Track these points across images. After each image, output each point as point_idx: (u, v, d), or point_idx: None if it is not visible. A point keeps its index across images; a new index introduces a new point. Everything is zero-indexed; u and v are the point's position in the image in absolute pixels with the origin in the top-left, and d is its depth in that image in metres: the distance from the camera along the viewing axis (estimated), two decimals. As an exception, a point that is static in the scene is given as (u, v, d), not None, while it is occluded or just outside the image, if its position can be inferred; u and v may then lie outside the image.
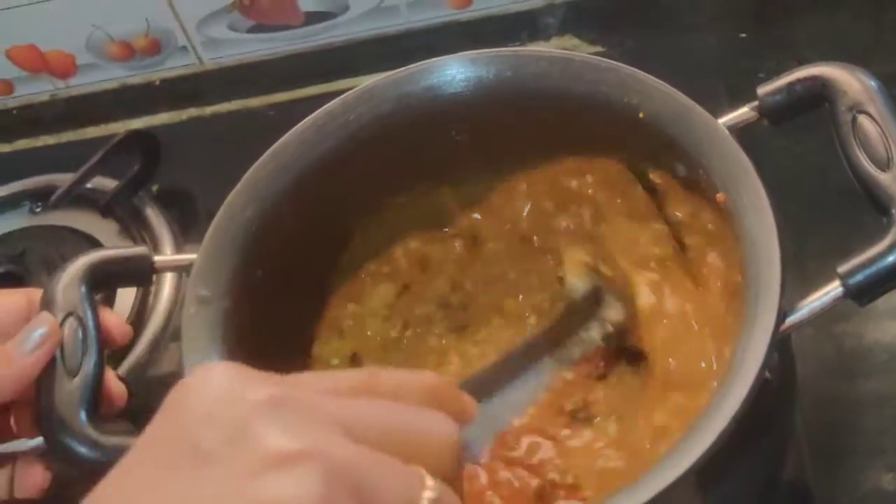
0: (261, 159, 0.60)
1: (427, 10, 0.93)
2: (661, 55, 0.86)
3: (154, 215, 0.83)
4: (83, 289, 0.54)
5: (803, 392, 0.68)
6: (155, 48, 0.96)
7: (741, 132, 0.55)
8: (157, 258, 0.57)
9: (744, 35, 0.88)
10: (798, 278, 0.53)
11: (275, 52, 0.96)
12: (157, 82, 0.98)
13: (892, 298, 0.73)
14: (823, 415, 0.70)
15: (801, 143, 0.78)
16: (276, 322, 0.60)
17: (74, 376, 0.52)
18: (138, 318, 0.78)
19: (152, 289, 0.79)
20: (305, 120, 0.61)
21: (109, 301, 0.77)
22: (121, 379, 0.72)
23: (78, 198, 0.84)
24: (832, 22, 0.87)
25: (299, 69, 0.95)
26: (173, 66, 0.97)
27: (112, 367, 0.73)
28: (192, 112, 0.96)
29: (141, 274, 0.57)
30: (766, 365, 0.47)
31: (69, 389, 0.52)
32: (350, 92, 0.61)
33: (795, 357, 0.67)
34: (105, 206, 0.83)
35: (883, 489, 0.66)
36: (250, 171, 0.59)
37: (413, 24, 0.94)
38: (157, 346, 0.77)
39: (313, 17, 0.94)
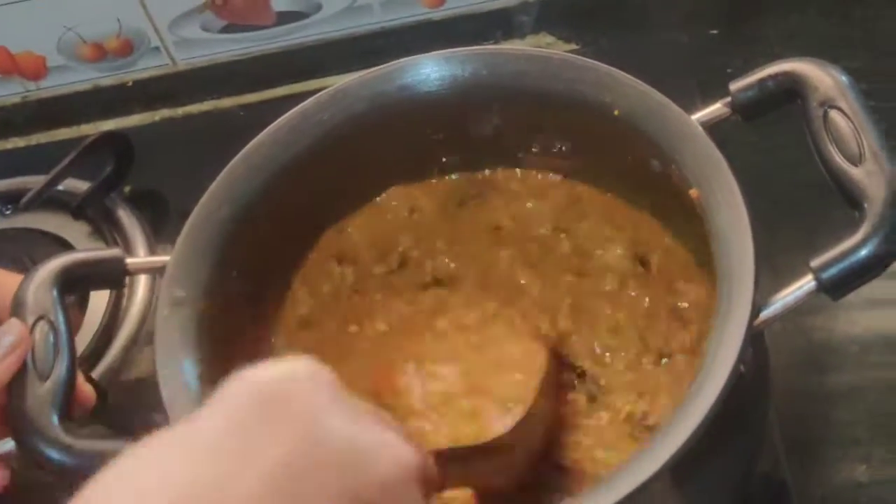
0: (234, 160, 0.60)
1: (400, 10, 0.93)
2: (635, 52, 0.86)
3: (126, 216, 0.83)
4: (55, 292, 0.54)
5: (775, 385, 0.68)
6: (127, 49, 0.95)
7: (713, 127, 0.56)
8: (129, 260, 0.57)
9: (715, 32, 0.89)
10: (769, 274, 0.53)
11: (247, 52, 0.96)
12: (130, 83, 0.97)
13: (861, 290, 0.75)
14: (796, 407, 0.70)
15: (770, 139, 0.78)
16: (250, 323, 0.60)
17: (46, 380, 0.52)
18: (111, 321, 0.77)
19: (125, 292, 0.79)
20: (279, 120, 0.61)
21: (82, 305, 0.76)
22: (94, 382, 0.72)
23: (49, 200, 0.83)
24: (802, 19, 0.88)
25: (272, 69, 0.95)
26: (146, 67, 0.96)
27: (86, 370, 0.74)
28: (165, 113, 0.95)
29: (114, 277, 0.57)
30: (740, 359, 0.47)
31: (40, 393, 0.51)
32: (324, 91, 0.61)
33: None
34: (77, 208, 0.82)
35: (857, 480, 0.66)
36: (224, 171, 0.59)
37: (386, 23, 0.94)
38: (130, 349, 0.77)
39: (286, 17, 0.94)
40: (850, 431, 0.68)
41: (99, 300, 0.77)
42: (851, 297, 0.72)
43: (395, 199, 0.65)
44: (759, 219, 0.52)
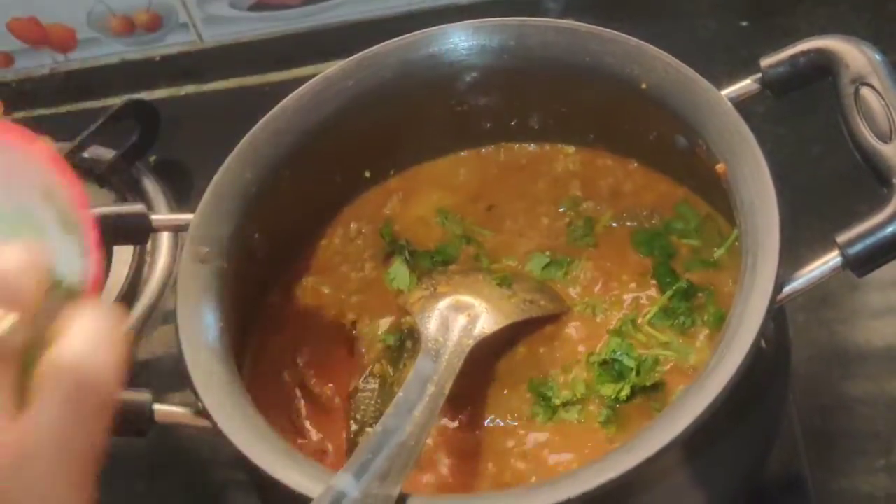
0: (259, 123, 0.60)
1: (429, -8, 0.93)
2: (663, 42, 0.85)
3: (151, 185, 0.83)
4: (78, 245, 0.54)
5: (796, 378, 0.68)
6: (156, 24, 0.95)
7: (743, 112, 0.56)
8: (154, 216, 0.57)
9: (745, 23, 0.88)
10: (793, 253, 0.52)
11: (274, 30, 0.96)
12: (157, 58, 0.98)
13: (884, 278, 0.74)
14: (817, 400, 0.70)
15: (798, 130, 0.78)
16: (271, 283, 0.60)
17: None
18: (133, 285, 0.77)
19: (147, 259, 0.79)
20: (304, 86, 0.61)
21: (105, 266, 0.76)
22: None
23: (75, 167, 0.82)
24: (833, 12, 0.88)
25: (298, 49, 0.95)
26: (173, 43, 0.97)
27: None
28: (191, 88, 0.96)
29: (137, 232, 0.57)
30: (762, 333, 0.47)
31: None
32: (351, 58, 0.61)
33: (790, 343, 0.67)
34: (102, 176, 0.83)
35: (875, 473, 0.66)
36: (249, 134, 0.59)
37: (414, 6, 0.94)
38: (151, 313, 0.77)
39: (314, -4, 0.94)
40: (870, 425, 0.68)
41: (121, 263, 0.78)
42: (876, 289, 0.74)
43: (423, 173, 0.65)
44: (785, 200, 0.52)
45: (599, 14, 0.92)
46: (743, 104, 0.56)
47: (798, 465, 0.66)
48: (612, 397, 0.54)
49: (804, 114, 0.72)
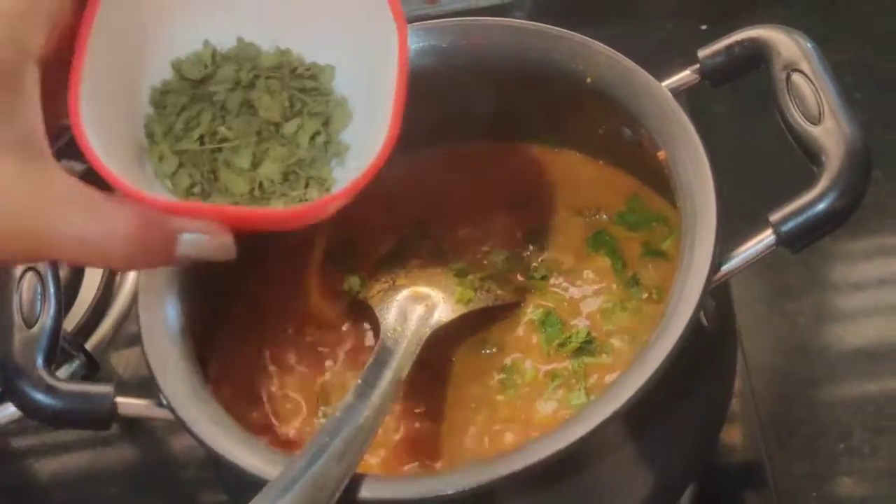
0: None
1: (398, 5, 0.95)
2: (622, 44, 0.87)
3: (124, 196, 0.84)
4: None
5: (757, 368, 0.70)
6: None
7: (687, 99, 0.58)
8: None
9: (704, 27, 0.90)
10: (734, 236, 0.54)
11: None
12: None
13: (847, 274, 0.76)
14: (776, 388, 0.71)
15: (755, 128, 0.80)
16: (233, 281, 0.61)
17: (32, 327, 0.53)
18: (104, 296, 0.79)
19: (118, 273, 0.80)
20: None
21: (77, 279, 0.78)
22: (86, 353, 0.74)
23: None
24: (788, 13, 0.90)
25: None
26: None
27: (80, 342, 0.76)
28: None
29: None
30: (699, 309, 0.49)
31: (26, 339, 0.53)
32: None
33: (748, 334, 0.68)
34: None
35: (836, 456, 0.67)
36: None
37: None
38: (123, 322, 0.79)
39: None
40: (830, 411, 0.69)
41: (93, 276, 0.79)
42: (836, 280, 0.75)
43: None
44: (729, 188, 0.53)
45: (564, 22, 0.94)
46: (693, 99, 0.59)
47: (758, 453, 0.67)
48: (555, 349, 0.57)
49: (761, 110, 0.74)
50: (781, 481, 0.66)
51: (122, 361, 0.78)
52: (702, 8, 0.92)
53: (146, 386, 0.54)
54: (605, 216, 0.63)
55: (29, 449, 0.76)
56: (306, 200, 0.49)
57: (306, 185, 0.50)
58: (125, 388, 0.54)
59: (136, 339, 0.77)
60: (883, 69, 0.84)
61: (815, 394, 0.71)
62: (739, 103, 0.81)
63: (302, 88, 0.51)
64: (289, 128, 0.50)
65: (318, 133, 0.51)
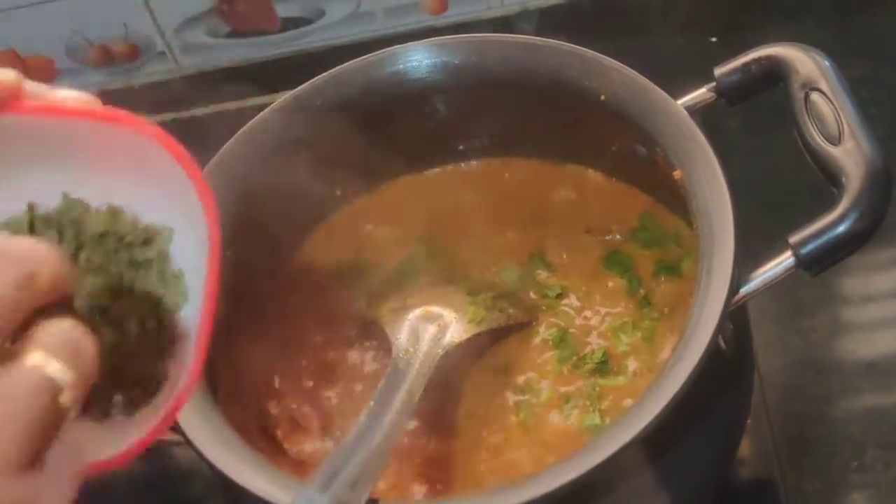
0: (227, 144, 0.61)
1: (403, 17, 0.94)
2: (632, 58, 0.87)
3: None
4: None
5: (770, 386, 0.69)
6: (134, 53, 0.97)
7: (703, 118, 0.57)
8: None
9: (714, 39, 0.90)
10: (751, 257, 0.53)
11: (252, 56, 0.97)
12: (136, 87, 0.99)
13: (856, 287, 0.75)
14: (790, 407, 0.70)
15: (768, 144, 0.79)
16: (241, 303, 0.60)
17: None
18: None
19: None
20: (270, 106, 0.62)
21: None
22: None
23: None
24: (800, 27, 0.89)
25: (276, 73, 0.96)
26: (152, 71, 0.98)
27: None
28: (170, 116, 0.97)
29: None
30: (718, 332, 0.48)
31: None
32: (316, 78, 0.62)
33: (761, 353, 0.68)
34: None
35: (848, 476, 0.66)
36: (218, 154, 0.60)
37: (389, 30, 0.95)
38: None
39: (290, 23, 0.95)
40: (844, 429, 0.69)
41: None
42: (849, 294, 0.75)
43: (393, 190, 0.66)
44: (747, 208, 0.53)
45: (570, 34, 0.93)
46: (707, 115, 0.58)
47: (771, 471, 0.66)
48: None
49: (775, 126, 0.73)
50: (794, 499, 0.66)
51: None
52: (711, 21, 0.92)
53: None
54: (617, 234, 0.62)
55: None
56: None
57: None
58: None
59: None
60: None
61: (829, 411, 0.70)
62: (753, 119, 0.80)
63: (132, 260, 0.41)
64: (115, 310, 0.41)
65: (147, 317, 0.41)
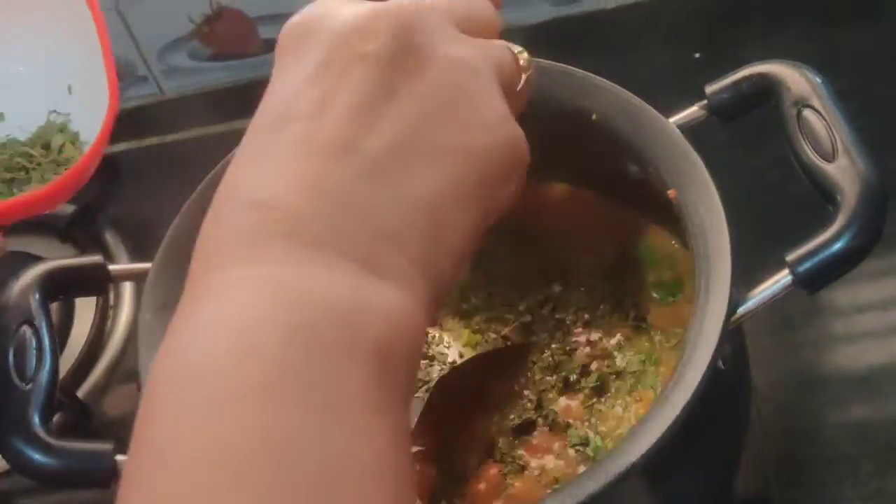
0: (217, 167, 0.60)
1: (387, 37, 0.94)
2: (616, 75, 0.87)
3: (112, 239, 0.83)
4: (37, 297, 0.54)
5: (762, 402, 0.69)
6: (115, 78, 0.96)
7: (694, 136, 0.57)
8: (112, 267, 0.57)
9: (698, 55, 0.90)
10: (747, 275, 0.53)
11: (235, 79, 0.97)
12: (119, 113, 0.98)
13: (846, 299, 0.75)
14: (783, 423, 0.70)
15: (751, 153, 0.79)
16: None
17: (28, 383, 0.52)
18: (96, 341, 0.77)
19: (110, 313, 0.79)
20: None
21: (68, 322, 0.76)
22: (78, 401, 0.72)
23: (36, 223, 0.83)
24: (782, 41, 0.89)
25: (260, 96, 0.95)
26: (134, 96, 0.97)
27: (71, 390, 0.74)
28: (153, 140, 0.96)
29: (96, 283, 0.57)
30: (717, 354, 0.47)
31: (22, 396, 0.51)
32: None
33: (753, 368, 0.68)
34: (63, 231, 0.83)
35: (844, 494, 0.66)
36: (206, 178, 0.60)
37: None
38: (115, 369, 0.77)
39: (273, 44, 0.93)
40: (838, 446, 0.68)
41: (84, 318, 0.77)
42: (839, 306, 0.75)
43: None
44: (743, 225, 0.52)
45: (555, 51, 0.94)
46: (694, 131, 0.58)
47: (767, 490, 0.66)
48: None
49: (760, 141, 0.73)
50: (791, 518, 0.65)
51: (115, 408, 0.76)
52: (694, 36, 0.92)
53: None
54: (611, 255, 0.62)
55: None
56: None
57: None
58: (123, 441, 0.53)
59: (127, 386, 0.77)
60: (883, 95, 0.84)
61: (822, 427, 0.70)
62: (740, 133, 0.80)
63: None
64: None
65: None
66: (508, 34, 0.93)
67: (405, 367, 0.33)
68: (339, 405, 0.30)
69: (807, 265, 0.49)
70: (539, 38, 0.93)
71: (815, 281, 0.49)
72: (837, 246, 0.49)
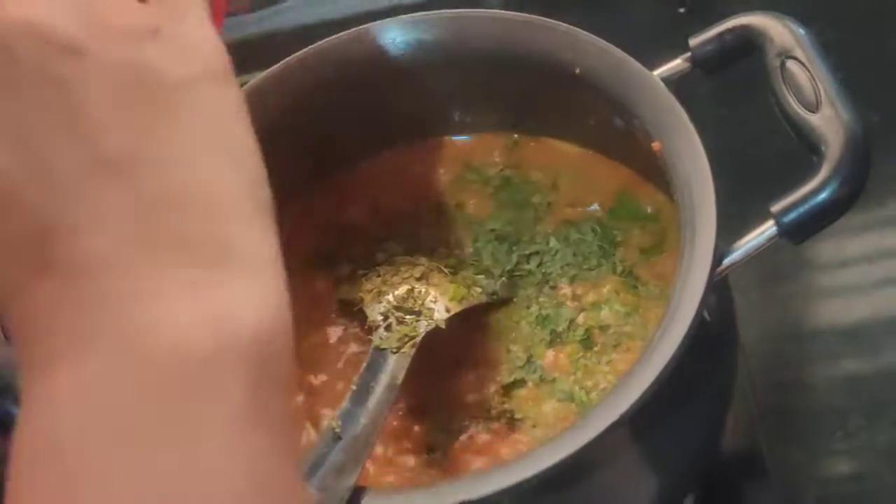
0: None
1: (374, -6, 0.93)
2: (601, 30, 0.86)
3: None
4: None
5: (751, 356, 0.69)
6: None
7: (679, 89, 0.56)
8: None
9: (682, 10, 0.89)
10: (733, 226, 0.53)
11: (224, 38, 0.96)
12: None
13: (833, 252, 0.75)
14: (772, 376, 0.71)
15: (739, 111, 0.79)
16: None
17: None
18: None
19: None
20: (246, 86, 0.61)
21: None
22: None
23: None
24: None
25: (250, 54, 0.94)
26: (119, 57, 0.96)
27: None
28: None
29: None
30: (703, 304, 0.48)
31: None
32: (290, 57, 0.61)
33: (740, 323, 0.68)
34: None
35: (833, 446, 0.67)
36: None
37: (360, 7, 0.94)
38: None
39: (260, 3, 0.94)
40: (827, 399, 0.69)
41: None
42: (826, 259, 0.75)
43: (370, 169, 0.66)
44: (727, 176, 0.52)
45: (539, 6, 0.93)
46: (678, 84, 0.57)
47: (756, 443, 0.66)
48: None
49: (745, 94, 0.73)
50: (780, 470, 0.66)
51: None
52: (678, -10, 0.91)
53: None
54: (596, 206, 0.62)
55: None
56: None
57: None
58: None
59: None
60: (865, 48, 0.84)
61: (811, 379, 0.71)
62: (722, 86, 0.80)
63: None
64: None
65: None
66: (492, -13, 0.94)
67: (277, 360, 0.32)
68: (209, 434, 0.30)
69: (792, 215, 0.49)
70: (524, -4, 0.93)
71: (800, 231, 0.50)
72: (822, 196, 0.49)
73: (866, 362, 0.71)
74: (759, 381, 0.69)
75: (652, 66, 0.57)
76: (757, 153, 0.76)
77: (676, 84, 0.56)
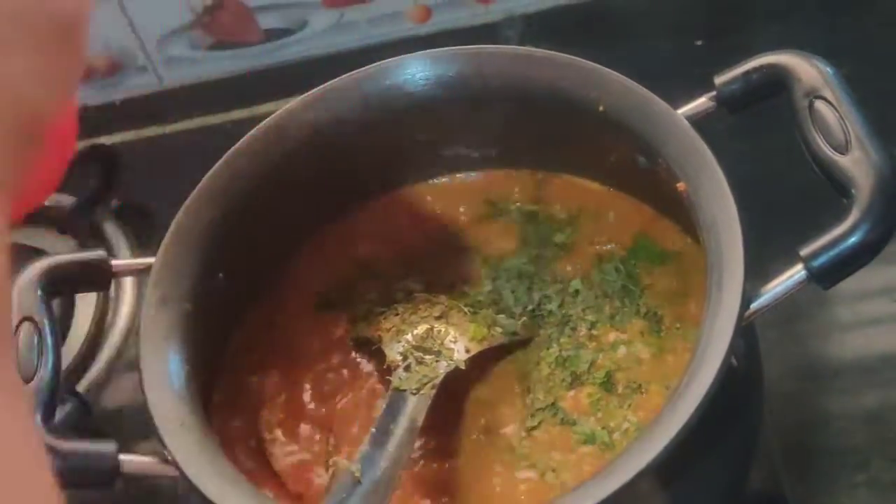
0: (220, 161, 0.59)
1: (387, 25, 0.93)
2: (619, 64, 0.86)
3: (113, 231, 0.82)
4: (39, 293, 0.53)
5: (772, 395, 0.68)
6: (115, 68, 0.95)
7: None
8: (115, 262, 0.57)
9: (699, 42, 0.89)
10: (759, 268, 0.52)
11: (235, 69, 0.96)
12: (118, 102, 0.97)
13: (852, 286, 0.74)
14: (793, 416, 0.69)
15: (760, 146, 0.78)
16: (236, 324, 0.59)
17: (29, 381, 0.51)
18: (96, 334, 0.76)
19: (110, 306, 0.78)
20: (265, 121, 0.61)
21: (68, 314, 0.76)
22: (78, 395, 0.72)
23: (34, 215, 0.82)
24: (785, 27, 0.88)
25: (260, 85, 0.94)
26: (133, 86, 0.96)
27: (71, 384, 0.73)
28: (153, 131, 0.95)
29: (99, 278, 0.56)
30: (731, 351, 0.47)
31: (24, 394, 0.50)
32: (310, 92, 0.61)
33: (763, 361, 0.67)
34: (63, 223, 0.82)
35: (856, 486, 0.65)
36: (210, 172, 0.59)
37: (373, 39, 0.94)
38: (115, 363, 0.76)
39: (273, 34, 0.94)
40: (849, 439, 0.68)
41: (84, 313, 0.77)
42: (845, 294, 0.74)
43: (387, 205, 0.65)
44: (751, 216, 0.52)
45: (555, 40, 0.92)
46: (700, 121, 0.57)
47: (778, 483, 0.65)
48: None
49: (766, 130, 0.73)
50: (802, 510, 0.65)
51: (114, 403, 0.75)
52: (695, 24, 0.91)
53: (141, 430, 0.52)
54: (618, 246, 0.61)
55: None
56: None
57: None
58: (125, 434, 0.52)
59: (128, 380, 0.77)
60: (885, 82, 0.83)
61: (832, 420, 0.69)
62: (745, 123, 0.80)
63: None
64: None
65: None
66: (511, 23, 0.94)
67: None
68: None
69: (822, 260, 0.48)
70: (540, 29, 0.93)
71: (829, 275, 0.49)
72: (853, 239, 0.48)
73: (888, 399, 0.69)
74: (781, 421, 0.68)
75: (671, 99, 0.57)
76: (778, 189, 0.75)
77: (699, 122, 0.56)
